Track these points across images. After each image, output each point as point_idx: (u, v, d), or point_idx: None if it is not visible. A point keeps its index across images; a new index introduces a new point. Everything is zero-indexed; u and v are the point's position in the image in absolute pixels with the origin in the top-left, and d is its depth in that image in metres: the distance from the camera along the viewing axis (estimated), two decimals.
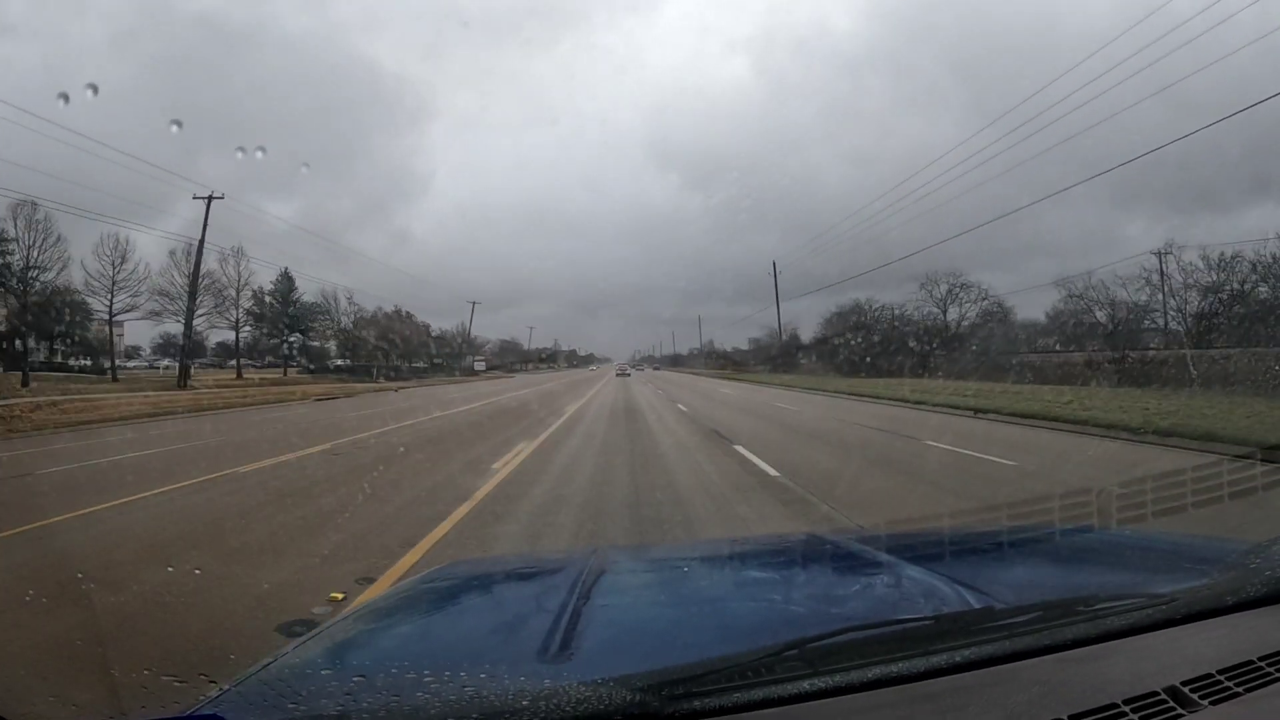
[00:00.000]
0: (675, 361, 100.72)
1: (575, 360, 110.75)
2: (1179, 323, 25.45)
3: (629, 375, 59.55)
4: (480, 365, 64.72)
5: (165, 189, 35.82)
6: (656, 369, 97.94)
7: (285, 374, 41.38)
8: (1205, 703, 0.95)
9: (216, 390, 28.47)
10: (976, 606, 1.22)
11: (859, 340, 37.58)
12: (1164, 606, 1.16)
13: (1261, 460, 4.49)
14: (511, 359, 78.78)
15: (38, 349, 31.74)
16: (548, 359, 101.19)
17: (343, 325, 44.95)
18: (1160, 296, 26.31)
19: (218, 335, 41.81)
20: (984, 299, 36.44)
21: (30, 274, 28.52)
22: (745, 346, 68.76)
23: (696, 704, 0.93)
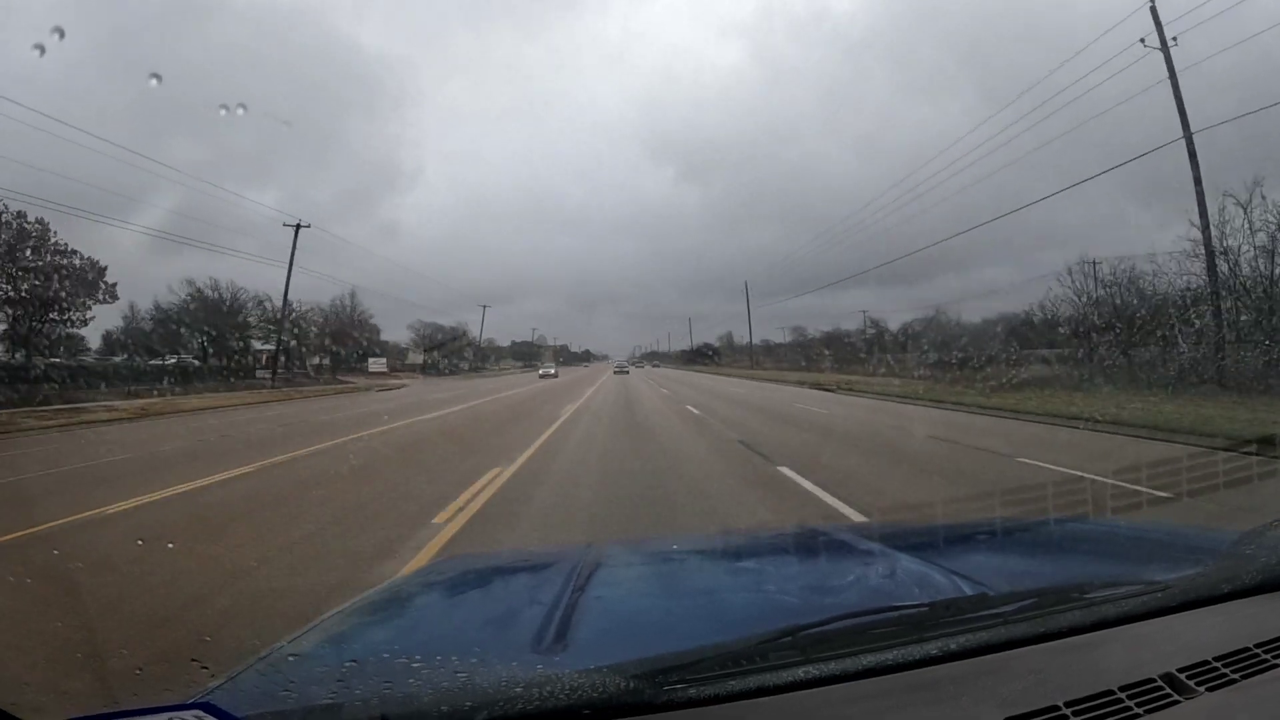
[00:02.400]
0: (692, 358, 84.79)
1: (564, 357, 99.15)
2: None
3: (628, 373, 56.50)
4: (378, 365, 46.44)
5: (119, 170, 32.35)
6: (656, 366, 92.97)
7: None
8: (1202, 689, 0.95)
9: None
10: (970, 594, 1.22)
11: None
12: (1159, 594, 1.16)
13: None
14: (450, 352, 60.16)
15: None
16: (526, 356, 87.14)
17: None
18: None
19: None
20: None
21: None
22: (782, 340, 62.30)
23: (691, 692, 0.92)
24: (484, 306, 64.88)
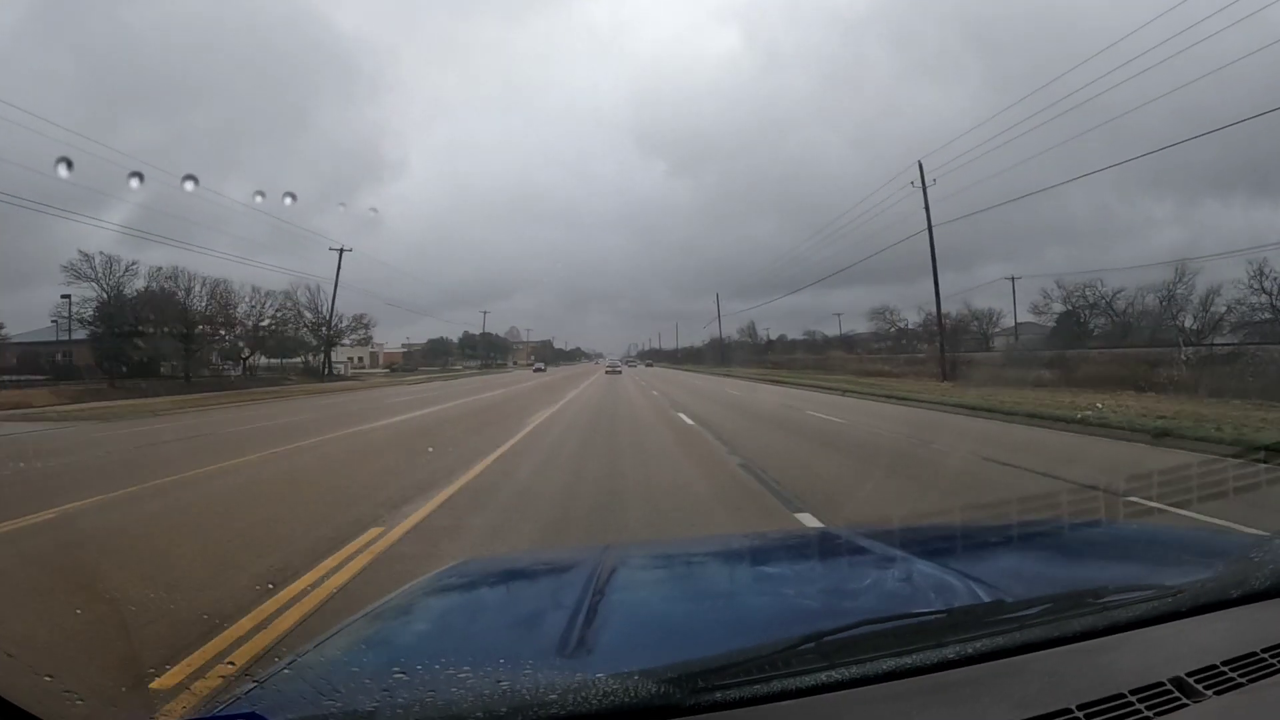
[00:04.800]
0: (727, 356, 68.97)
1: (542, 355, 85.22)
2: None
3: (620, 373, 51.52)
4: None
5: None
6: (649, 365, 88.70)
7: None
8: (1209, 693, 0.99)
9: None
10: (987, 600, 1.26)
11: None
12: (1170, 599, 1.20)
13: None
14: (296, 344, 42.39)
15: None
16: (500, 352, 74.30)
17: None
18: None
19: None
20: None
21: None
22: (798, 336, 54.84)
23: (718, 695, 0.96)
24: (341, 250, 38.76)
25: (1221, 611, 1.21)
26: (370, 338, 52.58)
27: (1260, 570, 1.29)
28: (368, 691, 0.98)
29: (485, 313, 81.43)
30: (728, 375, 46.49)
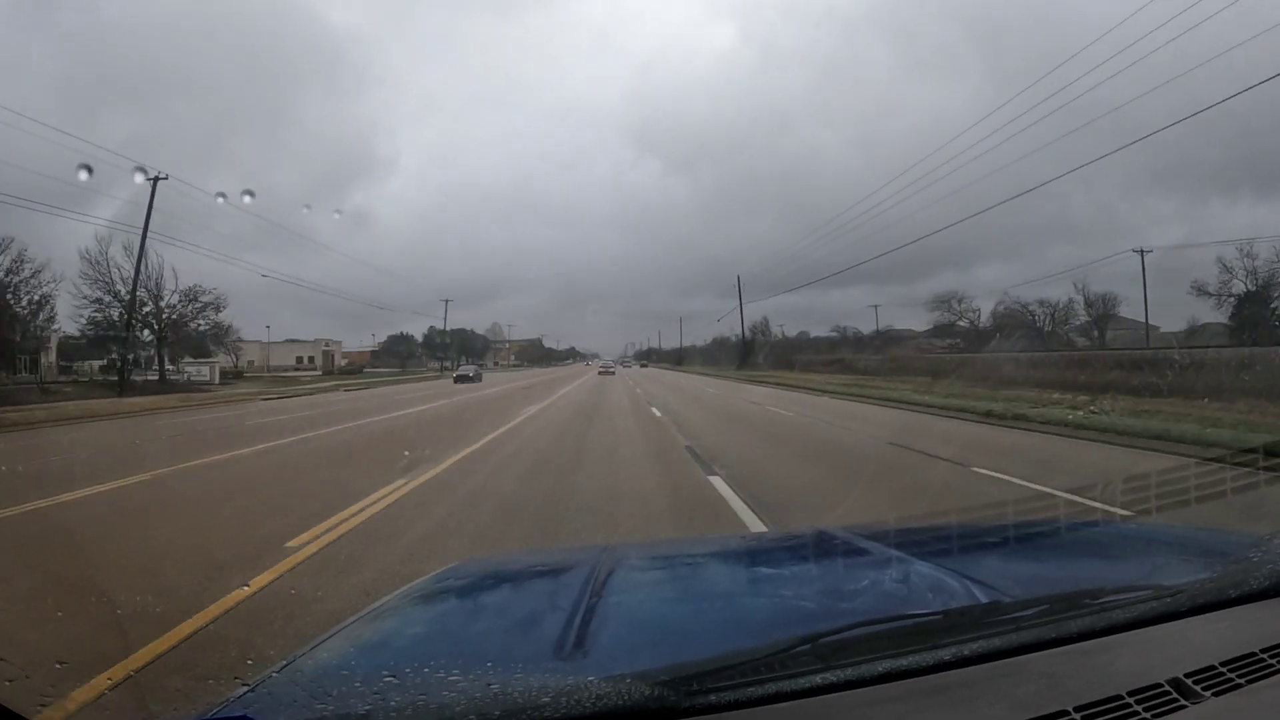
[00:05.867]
0: (741, 358, 56.09)
1: (520, 357, 76.18)
2: None
3: (613, 373, 49.72)
4: None
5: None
6: (643, 366, 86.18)
7: None
8: (1208, 694, 0.98)
9: None
10: (984, 601, 1.25)
11: None
12: (1168, 599, 1.19)
13: None
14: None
15: None
16: (478, 352, 64.51)
17: None
18: None
19: None
20: None
21: None
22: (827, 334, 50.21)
23: (713, 698, 0.95)
24: (155, 179, 25.87)
25: (1220, 612, 1.21)
26: (229, 327, 36.61)
27: (1259, 570, 1.29)
28: (360, 695, 0.98)
29: (448, 301, 63.86)
30: (803, 388, 27.75)
